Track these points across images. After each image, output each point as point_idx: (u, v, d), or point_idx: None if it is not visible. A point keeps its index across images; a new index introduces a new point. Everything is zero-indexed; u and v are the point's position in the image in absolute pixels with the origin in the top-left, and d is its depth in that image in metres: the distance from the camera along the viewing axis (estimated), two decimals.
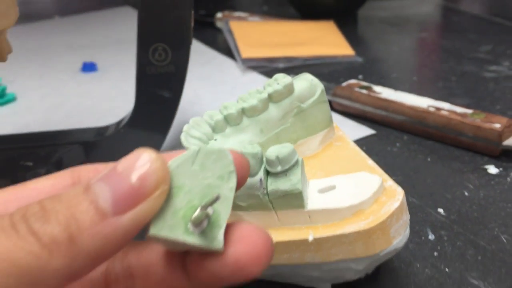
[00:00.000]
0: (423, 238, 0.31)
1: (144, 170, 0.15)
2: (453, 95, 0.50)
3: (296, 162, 0.25)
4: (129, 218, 0.15)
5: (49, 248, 0.14)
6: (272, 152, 0.24)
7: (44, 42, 0.71)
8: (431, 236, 0.31)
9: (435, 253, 0.30)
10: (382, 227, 0.23)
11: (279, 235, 0.25)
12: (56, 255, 0.14)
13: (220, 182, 0.16)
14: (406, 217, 0.25)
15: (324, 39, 0.67)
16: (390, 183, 0.26)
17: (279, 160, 0.24)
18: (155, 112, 0.41)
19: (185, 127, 0.28)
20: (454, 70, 0.56)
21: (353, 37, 0.69)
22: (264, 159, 0.25)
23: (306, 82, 0.31)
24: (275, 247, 0.25)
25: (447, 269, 0.28)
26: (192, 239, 0.16)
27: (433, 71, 0.58)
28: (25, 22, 0.79)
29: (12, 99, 0.54)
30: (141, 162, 0.15)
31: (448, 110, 0.41)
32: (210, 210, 0.16)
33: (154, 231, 0.16)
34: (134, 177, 0.15)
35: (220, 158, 0.17)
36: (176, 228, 0.16)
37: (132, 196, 0.15)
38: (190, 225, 0.16)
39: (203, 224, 0.16)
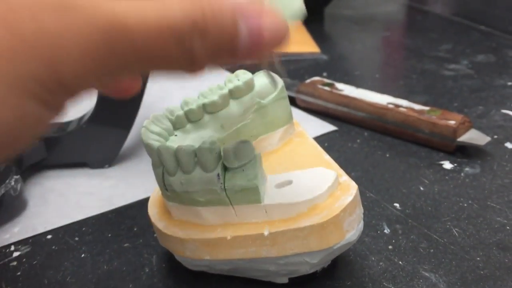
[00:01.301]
0: (378, 232, 0.32)
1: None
2: (413, 93, 0.51)
3: (254, 158, 0.25)
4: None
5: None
6: (229, 147, 0.25)
7: None
8: (387, 230, 0.32)
9: (390, 247, 0.31)
10: (335, 221, 0.24)
11: (236, 230, 0.25)
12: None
13: None
14: (360, 211, 0.26)
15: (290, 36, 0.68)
16: (345, 178, 0.26)
17: (236, 155, 0.25)
18: (118, 108, 0.40)
19: (145, 123, 0.28)
20: (415, 68, 0.57)
21: (319, 34, 0.69)
22: (222, 154, 0.25)
23: (266, 79, 0.32)
24: (231, 243, 0.25)
25: (400, 262, 0.29)
26: None
27: (395, 69, 0.60)
28: None
29: None
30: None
31: (406, 107, 0.42)
32: None
33: None
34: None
35: None
36: None
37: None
38: None
39: None
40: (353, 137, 0.43)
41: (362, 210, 0.26)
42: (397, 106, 0.43)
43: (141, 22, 0.15)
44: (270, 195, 0.25)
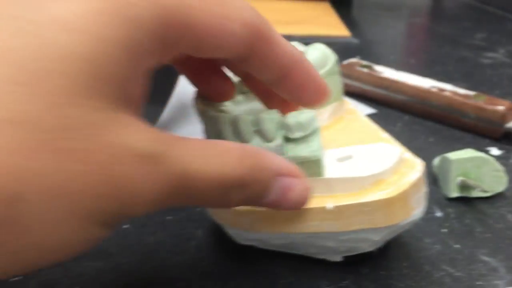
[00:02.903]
0: (430, 215, 0.31)
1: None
2: (452, 79, 0.50)
3: (316, 129, 0.24)
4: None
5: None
6: (292, 117, 0.24)
7: None
8: (439, 213, 0.31)
9: (444, 230, 0.30)
10: (403, 197, 0.23)
11: None
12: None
13: None
14: (425, 188, 0.25)
15: (320, 19, 0.66)
16: (408, 155, 0.25)
17: (299, 125, 0.24)
18: (154, 82, 0.39)
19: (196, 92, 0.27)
20: (451, 55, 0.56)
21: (348, 20, 0.68)
22: (283, 124, 0.24)
23: (319, 52, 0.31)
24: (292, 216, 0.24)
25: (457, 246, 0.28)
26: None
27: (430, 55, 0.58)
28: None
29: None
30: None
31: (450, 91, 0.41)
32: None
33: None
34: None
35: None
36: None
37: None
38: None
39: None
40: (394, 121, 0.42)
41: (426, 189, 0.25)
42: (441, 90, 0.41)
43: (204, 176, 0.17)
44: (332, 169, 0.24)
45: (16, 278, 0.27)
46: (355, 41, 0.61)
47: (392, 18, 0.71)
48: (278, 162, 0.21)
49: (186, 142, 0.17)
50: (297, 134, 0.24)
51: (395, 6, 0.76)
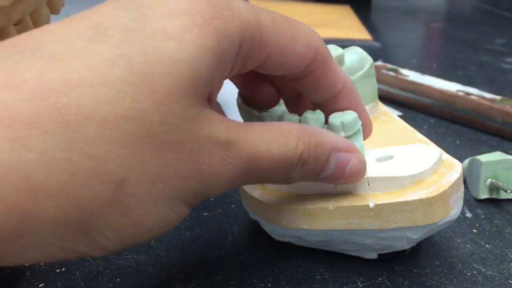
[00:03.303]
0: (460, 215, 0.32)
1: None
2: (474, 84, 0.51)
3: (359, 129, 0.25)
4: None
5: None
6: (337, 117, 0.25)
7: None
8: (469, 214, 0.32)
9: (474, 230, 0.30)
10: (443, 197, 0.24)
11: (338, 201, 0.25)
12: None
13: None
14: (463, 189, 0.25)
15: (341, 23, 0.67)
16: (446, 156, 0.26)
17: (343, 126, 0.24)
18: None
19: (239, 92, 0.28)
20: (472, 60, 0.57)
21: (368, 23, 0.69)
22: (328, 124, 0.25)
23: (356, 55, 0.31)
24: (333, 213, 0.25)
25: (487, 245, 0.29)
26: None
27: (451, 60, 0.59)
28: None
29: None
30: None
31: (477, 95, 0.42)
32: None
33: None
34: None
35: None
36: None
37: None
38: None
39: None
40: (419, 123, 0.43)
41: (464, 189, 0.26)
42: (468, 94, 0.42)
43: (269, 156, 0.19)
44: (372, 168, 0.25)
45: (60, 269, 0.28)
46: (376, 44, 0.62)
47: (410, 22, 0.72)
48: (335, 138, 0.22)
49: (254, 127, 0.19)
50: (341, 135, 0.25)
51: (412, 11, 0.77)
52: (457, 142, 0.40)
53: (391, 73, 0.47)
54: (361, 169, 0.23)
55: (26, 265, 0.28)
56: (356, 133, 0.25)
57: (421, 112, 0.45)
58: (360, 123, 0.25)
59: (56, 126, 0.15)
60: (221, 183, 0.18)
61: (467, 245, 0.29)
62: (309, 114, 0.25)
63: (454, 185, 0.24)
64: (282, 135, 0.20)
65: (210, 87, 0.18)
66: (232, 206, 0.33)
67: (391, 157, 0.26)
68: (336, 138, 0.23)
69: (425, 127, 0.42)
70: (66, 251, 0.16)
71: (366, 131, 0.25)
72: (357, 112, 0.24)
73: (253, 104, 0.27)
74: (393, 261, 0.28)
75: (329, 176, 0.23)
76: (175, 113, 0.16)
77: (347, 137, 0.25)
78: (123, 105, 0.15)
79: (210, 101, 0.19)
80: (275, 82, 0.26)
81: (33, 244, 0.15)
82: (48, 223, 0.15)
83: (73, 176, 0.15)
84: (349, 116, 0.24)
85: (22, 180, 0.14)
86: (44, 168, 0.14)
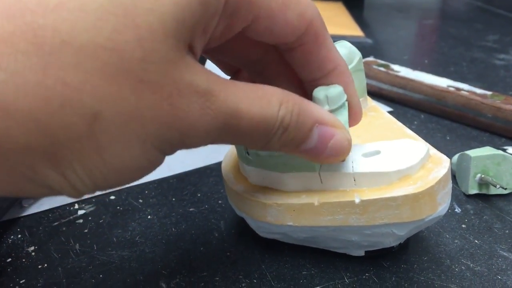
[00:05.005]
0: (449, 210, 0.31)
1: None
2: (465, 80, 0.50)
3: (344, 103, 0.24)
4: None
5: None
6: (321, 90, 0.23)
7: None
8: (458, 210, 0.31)
9: (463, 225, 0.30)
10: (430, 193, 0.23)
11: (323, 197, 0.25)
12: None
13: None
14: (450, 185, 0.25)
15: (334, 19, 0.67)
16: (434, 151, 0.26)
17: (328, 99, 0.23)
18: None
19: None
20: (464, 56, 0.57)
21: (360, 20, 0.69)
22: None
23: (345, 49, 0.31)
24: (318, 209, 0.25)
25: (476, 241, 0.29)
26: None
27: (443, 56, 0.59)
28: None
29: None
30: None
31: (467, 91, 0.42)
32: None
33: None
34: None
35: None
36: None
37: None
38: None
39: None
40: (410, 119, 0.43)
41: (451, 185, 0.25)
42: (458, 89, 0.42)
43: (249, 115, 0.18)
44: (358, 163, 0.25)
45: (42, 266, 0.27)
46: (368, 41, 0.61)
47: (402, 19, 0.72)
48: (321, 111, 0.21)
49: (236, 84, 0.18)
50: (325, 108, 0.24)
51: (405, 7, 0.77)
52: (448, 138, 0.40)
53: (382, 69, 0.46)
54: (345, 147, 0.22)
55: None
56: (341, 107, 0.24)
57: (412, 107, 0.44)
58: (345, 97, 0.24)
59: (30, 47, 0.14)
60: (198, 135, 0.17)
61: (456, 241, 0.29)
62: None
63: (441, 180, 0.24)
64: (265, 96, 0.19)
65: (194, 34, 0.17)
66: (219, 201, 0.33)
67: (378, 152, 0.25)
68: (322, 111, 0.21)
69: (415, 122, 0.42)
70: (35, 184, 0.15)
71: (356, 118, 0.24)
72: (347, 96, 0.23)
73: None
74: (380, 258, 0.27)
75: (311, 150, 0.21)
76: (157, 52, 0.15)
77: (331, 111, 0.24)
78: (103, 35, 0.14)
79: (194, 53, 0.18)
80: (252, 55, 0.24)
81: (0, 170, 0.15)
82: (16, 149, 0.14)
83: (45, 102, 0.14)
84: (333, 89, 0.23)
85: None
86: (15, 90, 0.14)
